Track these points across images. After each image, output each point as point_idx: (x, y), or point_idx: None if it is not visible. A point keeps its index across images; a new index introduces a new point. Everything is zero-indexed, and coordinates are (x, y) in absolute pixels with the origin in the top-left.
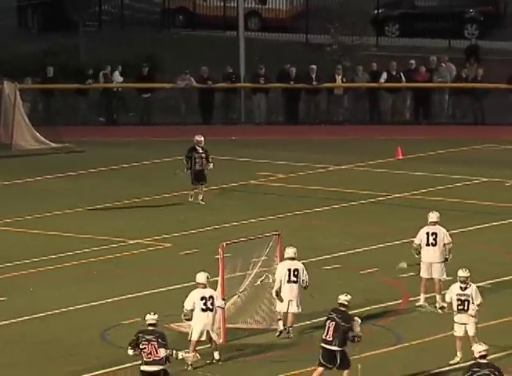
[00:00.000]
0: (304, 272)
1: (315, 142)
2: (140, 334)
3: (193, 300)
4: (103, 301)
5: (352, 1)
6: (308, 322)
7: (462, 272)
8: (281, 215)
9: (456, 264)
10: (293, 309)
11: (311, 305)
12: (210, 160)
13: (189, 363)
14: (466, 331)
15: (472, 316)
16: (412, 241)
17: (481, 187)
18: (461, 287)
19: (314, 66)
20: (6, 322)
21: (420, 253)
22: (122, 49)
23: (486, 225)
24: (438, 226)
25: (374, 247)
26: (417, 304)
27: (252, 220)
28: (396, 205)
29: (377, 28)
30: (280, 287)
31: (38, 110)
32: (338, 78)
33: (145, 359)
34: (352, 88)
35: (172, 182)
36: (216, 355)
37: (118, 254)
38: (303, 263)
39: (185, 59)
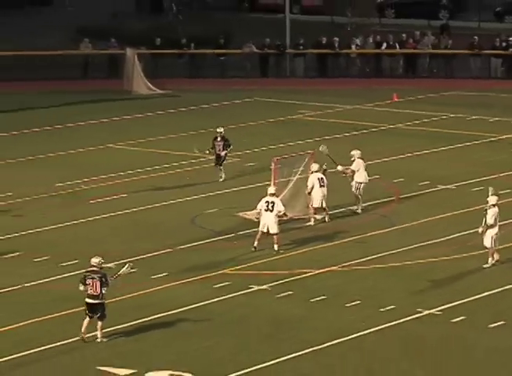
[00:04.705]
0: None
1: None
2: (87, 273)
3: (261, 202)
4: None
5: None
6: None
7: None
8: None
9: None
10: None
11: None
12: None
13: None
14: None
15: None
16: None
17: None
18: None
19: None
20: None
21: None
22: (201, 27)
23: None
24: None
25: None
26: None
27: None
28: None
29: (380, 12)
30: (312, 189)
31: (149, 68)
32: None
33: (88, 293)
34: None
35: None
36: (275, 247)
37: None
38: None
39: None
